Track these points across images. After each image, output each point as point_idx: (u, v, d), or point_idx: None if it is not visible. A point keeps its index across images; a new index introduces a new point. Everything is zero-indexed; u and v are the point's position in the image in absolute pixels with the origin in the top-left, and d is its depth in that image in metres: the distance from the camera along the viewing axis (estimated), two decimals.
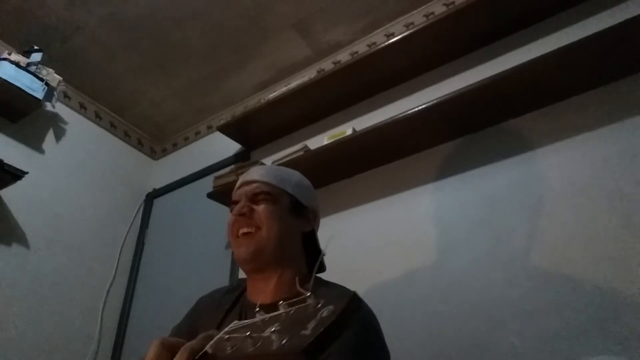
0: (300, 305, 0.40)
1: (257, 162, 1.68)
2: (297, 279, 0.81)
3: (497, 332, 1.13)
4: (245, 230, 0.83)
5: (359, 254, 1.50)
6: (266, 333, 0.39)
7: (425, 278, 1.32)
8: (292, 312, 0.40)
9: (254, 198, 0.86)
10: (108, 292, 2.09)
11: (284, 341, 0.36)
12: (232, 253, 0.90)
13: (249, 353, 0.39)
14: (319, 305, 0.37)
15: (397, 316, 1.29)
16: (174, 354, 0.47)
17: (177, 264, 2.08)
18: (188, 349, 0.46)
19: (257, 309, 0.44)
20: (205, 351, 0.46)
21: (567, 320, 1.05)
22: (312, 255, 0.93)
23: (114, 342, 2.04)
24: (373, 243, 1.49)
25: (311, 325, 0.35)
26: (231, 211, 0.90)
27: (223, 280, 1.76)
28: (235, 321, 0.46)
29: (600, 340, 0.99)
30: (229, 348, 0.43)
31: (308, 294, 0.39)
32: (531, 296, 1.12)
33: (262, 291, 0.84)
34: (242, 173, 1.17)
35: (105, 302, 2.05)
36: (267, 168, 0.92)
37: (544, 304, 1.09)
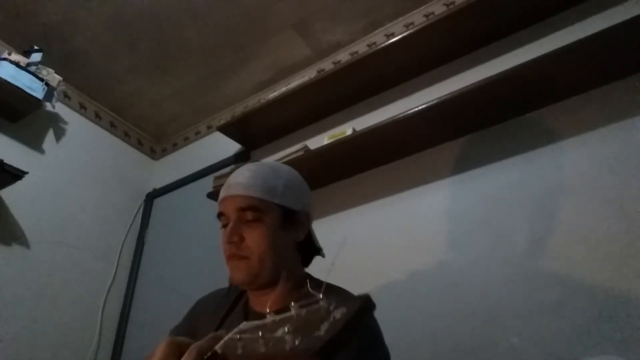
0: (312, 307, 0.39)
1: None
2: (307, 281, 0.81)
3: (497, 332, 1.13)
4: (238, 255, 0.81)
5: (358, 254, 1.49)
6: (278, 333, 0.38)
7: (425, 278, 1.32)
8: (303, 313, 0.39)
9: (241, 215, 0.81)
10: (108, 292, 2.09)
11: (297, 342, 0.36)
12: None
13: (261, 353, 0.39)
14: (331, 307, 0.37)
15: (397, 316, 1.29)
16: (182, 353, 0.47)
17: (177, 264, 2.08)
18: (197, 348, 0.46)
19: (268, 311, 0.44)
20: (215, 351, 0.46)
21: (567, 320, 1.05)
22: (310, 252, 0.93)
23: (114, 342, 2.04)
24: (373, 243, 1.49)
25: (324, 327, 0.35)
26: (219, 220, 0.86)
27: (223, 280, 1.75)
28: (245, 322, 0.46)
29: (600, 340, 0.99)
30: (240, 348, 0.42)
31: (320, 296, 0.39)
32: (531, 296, 1.12)
33: (266, 301, 0.83)
34: None
35: (105, 302, 2.05)
36: (250, 174, 0.84)
37: (544, 304, 1.09)
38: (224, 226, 0.84)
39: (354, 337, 0.35)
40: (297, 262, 0.89)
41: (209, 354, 0.46)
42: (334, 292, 0.80)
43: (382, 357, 0.76)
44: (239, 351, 0.42)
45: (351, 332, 0.35)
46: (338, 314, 0.35)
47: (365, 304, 0.36)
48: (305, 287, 0.84)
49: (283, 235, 0.83)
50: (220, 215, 0.85)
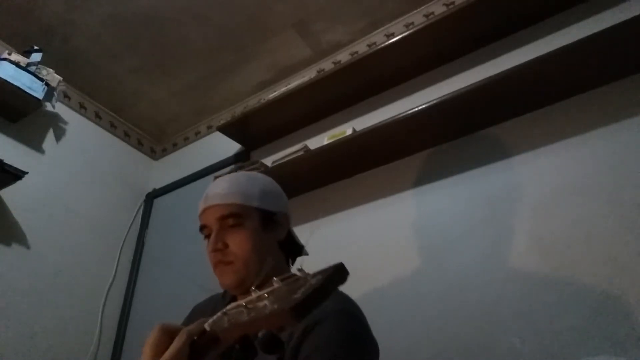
0: (292, 279, 0.42)
1: (257, 162, 1.68)
2: (284, 264, 0.86)
3: (497, 332, 1.13)
4: (224, 261, 0.84)
5: (358, 254, 1.50)
6: (261, 304, 0.42)
7: (425, 278, 1.32)
8: (284, 285, 0.42)
9: (222, 223, 0.84)
10: (108, 292, 2.08)
11: (275, 306, 0.39)
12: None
13: (244, 321, 0.42)
14: (309, 277, 0.40)
15: (397, 316, 1.29)
16: (173, 338, 0.50)
17: (177, 264, 2.08)
18: (186, 331, 0.50)
19: (253, 289, 0.47)
20: (205, 330, 0.49)
21: (567, 320, 1.05)
22: (293, 251, 0.95)
23: (114, 342, 2.04)
24: (372, 243, 1.49)
25: (301, 290, 0.37)
26: (202, 233, 0.89)
27: None
28: (233, 303, 0.49)
29: (600, 340, 0.99)
30: (226, 322, 0.46)
31: (299, 269, 0.42)
32: (531, 296, 1.12)
33: None
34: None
35: (105, 302, 2.05)
36: (227, 185, 0.87)
37: (544, 304, 1.09)
38: (207, 237, 0.87)
39: (327, 297, 0.37)
40: (281, 262, 0.91)
41: (199, 333, 0.49)
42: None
43: (369, 345, 0.75)
44: (225, 325, 0.45)
45: (325, 292, 0.37)
46: (314, 280, 0.38)
47: (338, 270, 0.39)
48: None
49: (264, 236, 0.86)
50: (202, 228, 0.88)
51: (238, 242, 0.83)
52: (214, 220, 0.85)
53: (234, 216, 0.84)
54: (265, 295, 0.43)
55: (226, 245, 0.83)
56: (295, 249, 0.95)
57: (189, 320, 0.97)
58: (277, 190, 0.95)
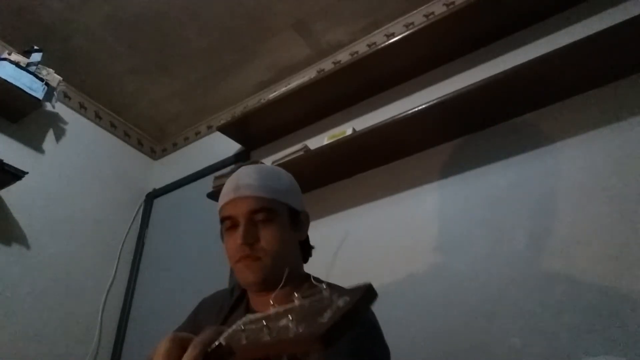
0: (314, 297, 0.39)
1: (257, 162, 1.68)
2: (311, 276, 0.82)
3: (498, 332, 1.13)
4: (252, 257, 0.79)
5: (358, 254, 1.50)
6: (282, 323, 0.39)
7: (425, 278, 1.32)
8: (307, 303, 0.39)
9: (254, 217, 0.80)
10: (108, 292, 2.09)
11: (300, 329, 0.36)
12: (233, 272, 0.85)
13: (265, 342, 0.39)
14: (334, 297, 0.37)
15: (398, 316, 1.29)
16: (185, 349, 0.46)
17: (177, 264, 2.08)
18: (200, 342, 0.46)
19: (272, 304, 0.44)
20: (220, 344, 0.46)
21: (567, 320, 1.05)
22: (306, 252, 0.94)
23: (114, 342, 2.04)
24: (373, 243, 1.49)
25: (327, 314, 0.35)
26: (222, 225, 0.83)
27: (223, 280, 1.76)
28: (249, 314, 0.46)
29: (600, 340, 0.99)
30: (244, 339, 0.42)
31: (324, 287, 0.39)
32: (531, 296, 1.12)
33: (268, 301, 0.82)
34: None
35: (105, 302, 2.05)
36: (258, 176, 0.83)
37: (544, 304, 1.09)
38: (229, 229, 0.82)
39: (357, 323, 0.35)
40: (300, 263, 0.90)
41: (213, 346, 0.46)
42: (334, 286, 0.81)
43: (381, 349, 0.75)
44: (243, 341, 0.42)
45: (354, 318, 0.35)
46: (341, 302, 0.35)
47: (368, 293, 0.36)
48: (306, 284, 0.84)
49: (292, 235, 0.84)
50: (226, 218, 0.82)
51: (269, 238, 0.79)
52: (243, 212, 0.80)
53: (266, 210, 0.80)
54: (286, 312, 0.40)
55: (258, 240, 0.79)
56: (308, 250, 0.94)
57: (196, 314, 0.95)
58: (299, 188, 0.92)
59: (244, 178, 0.83)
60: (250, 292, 0.88)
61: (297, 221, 0.86)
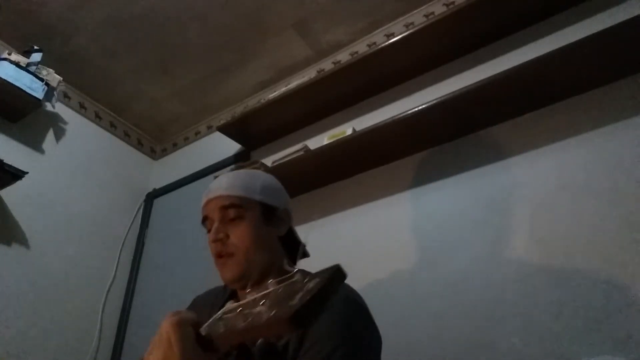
0: (288, 282, 0.41)
1: (257, 162, 1.68)
2: (284, 260, 0.85)
3: (497, 332, 1.13)
4: (224, 253, 0.84)
5: (358, 254, 1.50)
6: (257, 309, 0.41)
7: (425, 278, 1.32)
8: (280, 289, 0.41)
9: (224, 214, 0.85)
10: (108, 292, 2.08)
11: (272, 313, 0.37)
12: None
13: (240, 328, 0.41)
14: (306, 280, 0.39)
15: (398, 316, 1.29)
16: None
17: (177, 264, 2.08)
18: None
19: (248, 290, 0.46)
20: (199, 335, 0.48)
21: (567, 320, 1.05)
22: (295, 249, 0.95)
23: (114, 342, 2.04)
24: (372, 243, 1.49)
25: (298, 296, 0.36)
26: (204, 226, 0.90)
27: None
28: (228, 304, 0.47)
29: (600, 340, 0.99)
30: (222, 327, 0.44)
31: (295, 271, 0.41)
32: (531, 296, 1.12)
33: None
34: None
35: (105, 302, 2.05)
36: (229, 178, 0.90)
37: (544, 304, 1.09)
38: (209, 231, 0.87)
39: (327, 301, 0.36)
40: (281, 257, 0.90)
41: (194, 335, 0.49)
42: (311, 273, 0.82)
43: (372, 332, 0.75)
44: (221, 330, 0.44)
45: (324, 299, 0.36)
46: (312, 284, 0.37)
47: (336, 273, 0.38)
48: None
49: (266, 229, 0.87)
50: (204, 220, 0.89)
51: (238, 234, 0.84)
52: (215, 211, 0.86)
53: (235, 207, 0.85)
54: (261, 299, 0.42)
55: (227, 236, 0.84)
56: (296, 247, 0.95)
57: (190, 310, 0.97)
58: (278, 186, 0.96)
59: (216, 182, 0.91)
60: (239, 292, 0.90)
61: (273, 217, 0.89)
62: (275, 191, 0.93)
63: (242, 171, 0.94)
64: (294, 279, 0.41)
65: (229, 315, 0.45)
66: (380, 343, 0.76)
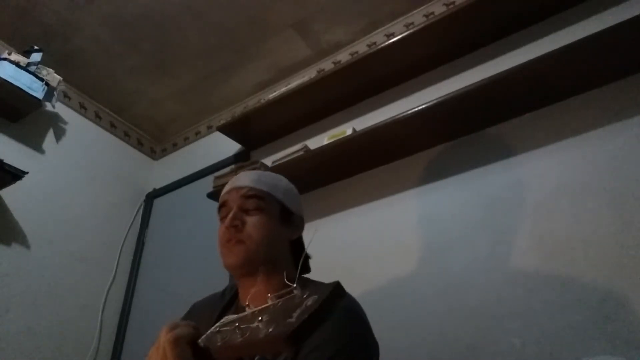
0: (287, 297, 0.41)
1: (257, 162, 1.68)
2: (284, 273, 0.83)
3: (497, 332, 1.13)
4: (236, 239, 0.84)
5: (358, 254, 1.50)
6: (254, 324, 0.40)
7: (425, 278, 1.32)
8: (279, 303, 0.41)
9: (244, 203, 0.86)
10: (108, 292, 2.09)
11: (270, 329, 0.37)
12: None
13: (237, 343, 0.41)
14: (305, 296, 0.39)
15: (397, 316, 1.29)
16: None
17: (177, 264, 2.08)
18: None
19: (247, 304, 0.46)
20: (198, 345, 0.48)
21: (567, 320, 1.05)
22: (299, 258, 0.94)
23: (114, 342, 2.04)
24: (373, 243, 1.49)
25: (296, 313, 0.36)
26: (219, 214, 0.90)
27: (222, 280, 1.76)
28: (227, 316, 0.48)
29: (600, 340, 0.99)
30: (219, 340, 0.45)
31: (294, 286, 0.41)
32: (531, 296, 1.12)
33: (252, 294, 0.84)
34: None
35: (105, 302, 2.05)
36: (257, 174, 0.91)
37: (544, 304, 1.09)
38: (222, 218, 0.88)
39: (325, 320, 0.36)
40: (289, 262, 0.91)
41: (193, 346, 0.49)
42: (311, 284, 0.83)
43: (361, 332, 0.75)
44: (219, 343, 0.44)
45: (321, 316, 0.36)
46: (310, 301, 0.37)
47: (335, 290, 0.38)
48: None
49: (280, 228, 0.88)
50: (221, 207, 0.89)
51: (255, 224, 0.84)
52: (236, 200, 0.87)
53: (258, 198, 0.86)
54: (259, 313, 0.42)
55: (243, 224, 0.84)
56: (301, 254, 0.95)
57: (189, 317, 0.97)
58: (298, 194, 0.98)
59: (243, 175, 0.92)
60: (239, 283, 0.90)
61: (289, 219, 0.90)
62: (295, 197, 0.95)
63: (268, 172, 0.96)
64: (293, 294, 0.40)
65: (227, 328, 0.45)
66: (377, 352, 0.76)
